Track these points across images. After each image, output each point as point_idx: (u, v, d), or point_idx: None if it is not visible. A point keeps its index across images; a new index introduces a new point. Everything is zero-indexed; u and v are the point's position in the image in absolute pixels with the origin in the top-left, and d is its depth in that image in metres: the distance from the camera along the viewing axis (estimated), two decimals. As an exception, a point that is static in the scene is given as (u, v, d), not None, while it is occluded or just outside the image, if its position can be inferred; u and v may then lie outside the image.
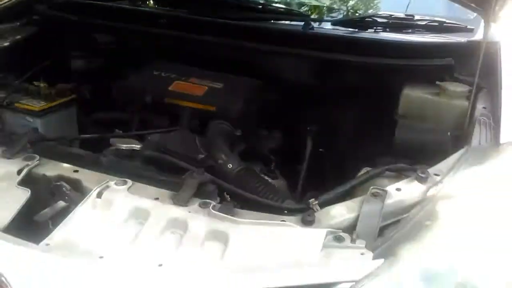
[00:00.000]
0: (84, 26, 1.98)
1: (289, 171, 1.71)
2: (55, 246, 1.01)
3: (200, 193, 1.15)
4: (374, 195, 1.10)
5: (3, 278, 0.97)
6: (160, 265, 0.97)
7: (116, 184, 1.15)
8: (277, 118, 1.79)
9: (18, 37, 1.97)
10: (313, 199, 1.13)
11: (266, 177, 1.52)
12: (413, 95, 1.54)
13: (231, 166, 1.36)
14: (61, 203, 1.15)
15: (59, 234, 1.03)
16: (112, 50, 2.00)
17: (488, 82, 1.46)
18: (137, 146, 1.31)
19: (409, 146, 1.43)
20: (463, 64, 1.55)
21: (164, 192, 1.15)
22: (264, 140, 1.75)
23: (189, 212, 1.08)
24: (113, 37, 2.02)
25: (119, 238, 1.03)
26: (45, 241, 1.01)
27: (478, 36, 1.63)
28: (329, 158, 1.84)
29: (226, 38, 1.78)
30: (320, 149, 1.83)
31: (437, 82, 1.51)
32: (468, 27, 1.74)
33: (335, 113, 1.80)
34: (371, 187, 1.12)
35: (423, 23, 1.80)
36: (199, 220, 1.06)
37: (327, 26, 1.94)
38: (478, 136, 1.25)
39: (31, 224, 1.11)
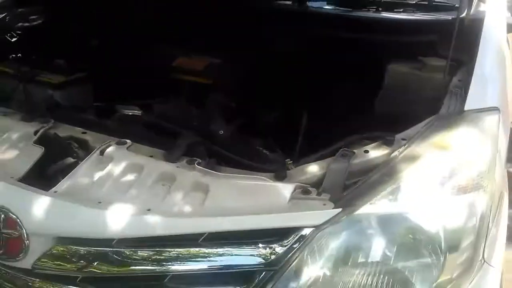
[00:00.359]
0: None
1: (285, 146, 1.82)
2: (62, 193, 1.17)
3: (190, 153, 1.29)
4: (343, 155, 1.22)
5: (18, 221, 1.16)
6: (149, 210, 1.12)
7: (117, 143, 1.30)
8: (273, 94, 1.91)
9: (42, 18, 2.17)
10: (288, 159, 1.26)
11: (264, 151, 1.64)
12: (398, 70, 1.64)
13: (222, 132, 1.49)
14: (70, 159, 1.31)
15: (65, 183, 1.19)
16: (122, 31, 2.15)
17: (468, 57, 1.54)
18: (138, 112, 1.46)
19: (390, 117, 1.53)
20: (448, 40, 1.63)
21: (158, 151, 1.29)
22: (262, 116, 1.87)
23: (178, 167, 1.22)
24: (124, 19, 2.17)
25: (116, 188, 1.18)
26: (54, 189, 1.17)
27: (464, 14, 1.70)
28: (323, 132, 1.94)
29: (225, 15, 1.90)
30: (315, 124, 1.94)
31: (420, 57, 1.61)
32: (456, 5, 1.81)
33: (328, 89, 1.90)
34: (341, 149, 1.24)
35: (413, 2, 1.88)
36: (185, 174, 1.20)
37: (323, 4, 2.04)
38: (447, 105, 1.34)
39: (44, 176, 1.27)
